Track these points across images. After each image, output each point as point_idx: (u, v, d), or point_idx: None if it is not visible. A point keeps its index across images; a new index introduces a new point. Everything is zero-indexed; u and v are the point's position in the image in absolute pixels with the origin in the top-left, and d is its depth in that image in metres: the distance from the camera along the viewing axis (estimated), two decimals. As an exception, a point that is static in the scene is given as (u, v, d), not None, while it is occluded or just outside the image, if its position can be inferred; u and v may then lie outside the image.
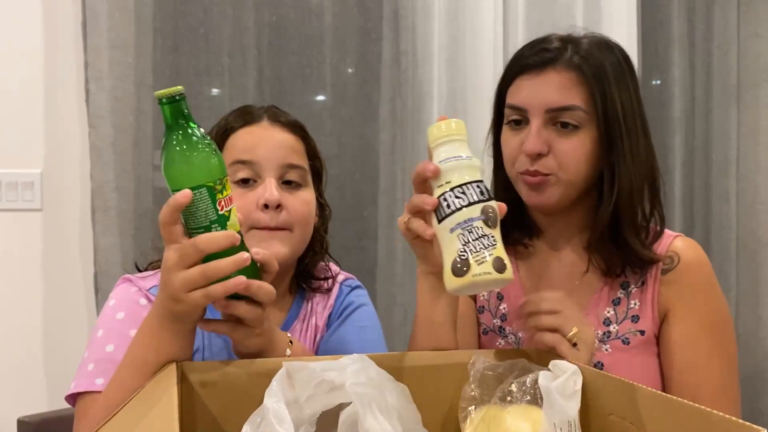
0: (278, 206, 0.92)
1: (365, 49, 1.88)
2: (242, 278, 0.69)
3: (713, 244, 2.20)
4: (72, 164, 1.70)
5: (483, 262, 0.70)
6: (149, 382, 0.66)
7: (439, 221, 0.72)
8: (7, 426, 1.17)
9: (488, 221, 0.71)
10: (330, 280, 1.06)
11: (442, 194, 0.72)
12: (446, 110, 1.88)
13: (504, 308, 1.09)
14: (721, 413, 0.53)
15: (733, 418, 0.52)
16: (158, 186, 1.71)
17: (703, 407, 0.56)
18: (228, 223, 0.70)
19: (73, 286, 1.71)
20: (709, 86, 2.19)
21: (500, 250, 0.71)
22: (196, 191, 0.68)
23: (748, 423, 0.51)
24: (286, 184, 0.96)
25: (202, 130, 0.71)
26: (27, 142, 1.68)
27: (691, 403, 0.57)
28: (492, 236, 0.71)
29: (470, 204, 0.71)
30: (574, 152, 0.96)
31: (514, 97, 1.00)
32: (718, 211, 2.18)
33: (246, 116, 0.99)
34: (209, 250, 0.68)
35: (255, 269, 0.73)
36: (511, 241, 1.06)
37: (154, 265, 1.03)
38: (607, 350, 1.00)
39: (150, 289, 0.96)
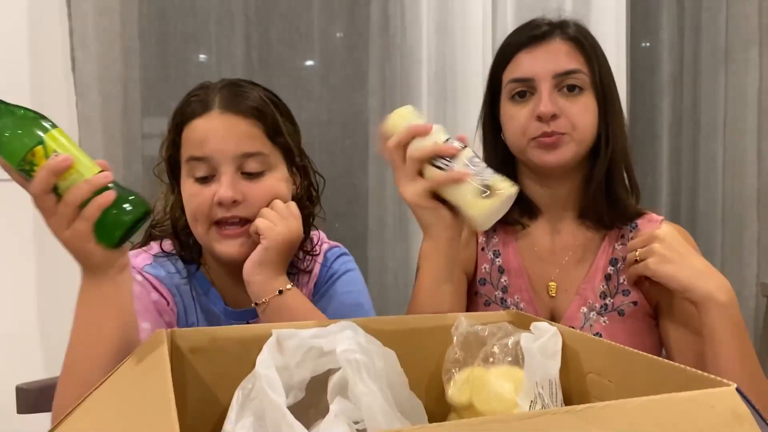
0: (234, 201, 0.91)
1: (354, 14, 1.87)
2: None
3: (699, 206, 2.22)
4: (60, 133, 1.69)
5: (501, 180, 0.81)
6: (140, 347, 0.67)
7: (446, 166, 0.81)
8: (5, 394, 1.18)
9: (478, 156, 0.83)
10: (316, 250, 1.07)
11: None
12: (435, 76, 1.87)
13: (505, 280, 1.13)
14: (693, 369, 0.56)
15: (705, 374, 0.54)
16: (147, 154, 1.71)
17: (675, 363, 0.58)
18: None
19: (63, 251, 1.71)
20: (697, 49, 2.19)
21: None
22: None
23: (719, 378, 0.53)
24: (246, 174, 0.93)
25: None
26: (14, 112, 1.67)
27: (661, 359, 0.60)
28: (486, 165, 0.82)
29: (465, 146, 0.83)
30: (583, 112, 1.04)
31: (516, 71, 1.06)
32: (705, 174, 2.20)
33: (197, 105, 0.94)
34: (78, 202, 0.70)
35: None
36: (510, 221, 1.11)
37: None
38: (604, 322, 1.06)
39: (144, 267, 0.98)
